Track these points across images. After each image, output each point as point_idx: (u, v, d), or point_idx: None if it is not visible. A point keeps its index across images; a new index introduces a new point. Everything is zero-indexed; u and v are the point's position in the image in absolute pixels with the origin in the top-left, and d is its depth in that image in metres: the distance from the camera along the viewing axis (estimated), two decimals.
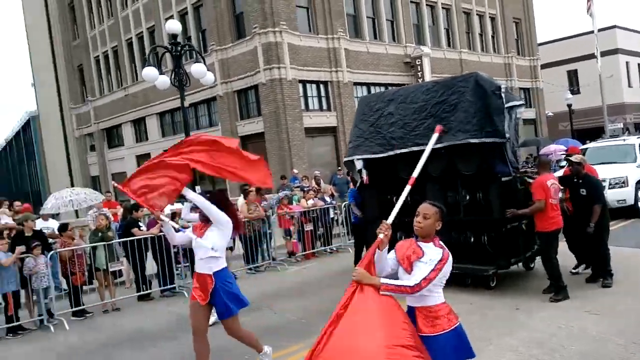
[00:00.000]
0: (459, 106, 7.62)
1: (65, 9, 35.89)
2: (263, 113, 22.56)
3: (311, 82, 23.41)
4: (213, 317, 5.90)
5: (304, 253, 12.21)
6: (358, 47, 24.86)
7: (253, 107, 23.76)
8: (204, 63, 12.24)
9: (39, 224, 10.22)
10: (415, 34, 27.91)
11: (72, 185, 30.20)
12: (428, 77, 25.73)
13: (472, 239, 7.83)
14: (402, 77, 26.14)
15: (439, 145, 7.71)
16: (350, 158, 9.21)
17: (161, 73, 12.02)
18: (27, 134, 47.89)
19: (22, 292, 8.63)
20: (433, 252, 3.37)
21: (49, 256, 8.72)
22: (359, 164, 9.05)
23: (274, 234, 12.02)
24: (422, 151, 7.90)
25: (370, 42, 25.55)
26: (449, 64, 28.93)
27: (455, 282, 7.49)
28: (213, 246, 5.10)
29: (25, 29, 42.22)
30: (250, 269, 11.14)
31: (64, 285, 9.38)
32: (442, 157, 7.83)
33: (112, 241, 9.37)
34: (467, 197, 7.89)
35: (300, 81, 22.65)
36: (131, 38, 29.85)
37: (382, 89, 23.26)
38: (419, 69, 26.54)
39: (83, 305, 9.02)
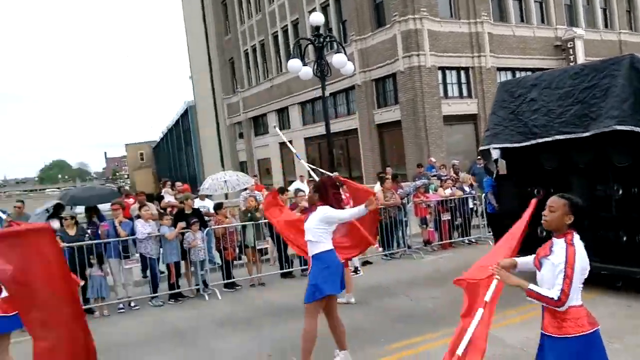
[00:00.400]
0: (609, 91, 7.01)
1: (219, 6, 38.73)
2: (400, 101, 22.54)
3: (451, 68, 22.86)
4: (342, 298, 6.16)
5: (440, 243, 12.13)
6: (503, 31, 23.70)
7: (390, 95, 23.83)
8: (345, 53, 12.61)
9: (197, 203, 11.33)
10: (567, 15, 25.89)
11: (223, 170, 32.70)
12: (581, 60, 23.74)
13: (625, 238, 7.23)
14: (551, 62, 24.43)
15: (585, 134, 7.23)
16: (486, 147, 8.87)
17: (304, 64, 12.63)
18: (185, 122, 52.59)
19: (182, 263, 9.68)
20: (559, 253, 3.18)
21: (205, 232, 9.70)
22: (495, 154, 8.74)
23: (409, 221, 12.09)
24: (568, 140, 7.52)
25: (517, 25, 24.22)
26: (605, 46, 26.39)
27: (604, 284, 7.05)
28: (309, 227, 5.35)
29: (185, 28, 46.33)
30: (385, 255, 11.35)
31: (217, 259, 10.34)
32: (590, 146, 7.32)
33: (260, 221, 10.13)
34: (620, 192, 7.30)
35: (439, 68, 22.23)
36: (277, 32, 31.41)
37: (529, 74, 22.03)
38: (571, 53, 24.63)
39: (233, 278, 9.92)
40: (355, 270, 10.00)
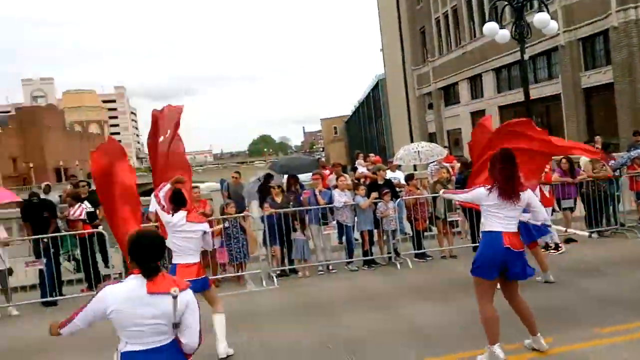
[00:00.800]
0: None
1: None
2: (613, 61, 20.03)
3: None
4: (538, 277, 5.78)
5: None
6: None
7: (600, 56, 21.33)
8: (547, 11, 11.63)
9: (388, 174, 11.55)
10: None
11: (412, 142, 32.76)
12: None
13: None
14: None
15: None
16: None
17: (501, 27, 11.96)
18: (375, 95, 53.76)
19: (375, 232, 10.00)
20: None
21: (396, 202, 9.90)
22: None
23: (622, 196, 10.82)
24: None
25: None
26: None
27: None
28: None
29: (377, 1, 46.76)
30: (592, 232, 10.34)
31: (408, 230, 10.50)
32: None
33: None
34: None
35: None
36: None
37: None
38: None
39: (424, 249, 10.00)
40: (556, 247, 9.35)
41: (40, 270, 8.82)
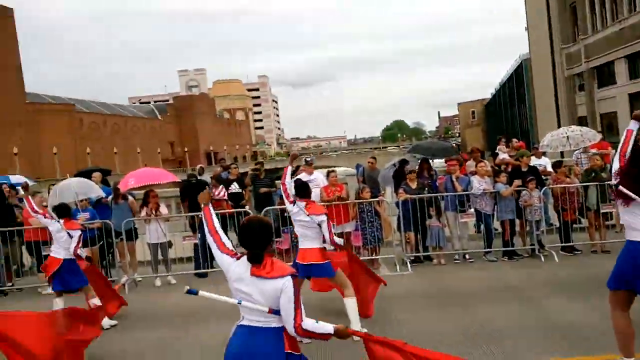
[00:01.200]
0: None
1: None
2: None
3: None
4: None
5: None
6: None
7: None
8: None
9: (532, 161, 10.86)
10: None
11: (559, 126, 30.45)
12: None
13: None
14: None
15: None
16: None
17: None
18: (518, 76, 50.79)
19: (517, 222, 9.52)
20: None
21: (542, 191, 9.32)
22: None
23: None
24: None
25: None
26: None
27: None
28: None
29: None
30: None
31: (554, 220, 9.83)
32: None
33: (605, 182, 9.16)
34: None
35: None
36: None
37: None
38: None
39: (572, 241, 9.32)
40: None
41: (195, 245, 9.70)
